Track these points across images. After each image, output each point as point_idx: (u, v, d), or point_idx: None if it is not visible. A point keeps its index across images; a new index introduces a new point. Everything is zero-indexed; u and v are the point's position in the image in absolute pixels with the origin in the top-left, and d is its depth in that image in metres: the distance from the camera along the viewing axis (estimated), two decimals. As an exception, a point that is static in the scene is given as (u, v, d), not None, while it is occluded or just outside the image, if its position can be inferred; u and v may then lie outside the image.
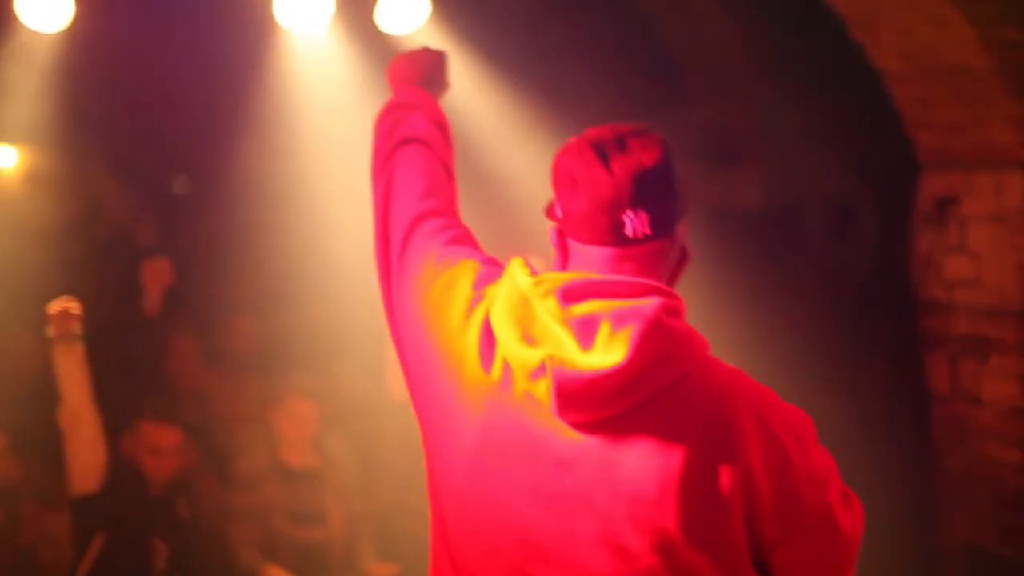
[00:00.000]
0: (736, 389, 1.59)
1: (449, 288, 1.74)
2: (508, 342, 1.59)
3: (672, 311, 1.57)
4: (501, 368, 1.62)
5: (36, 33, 4.92)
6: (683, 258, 1.69)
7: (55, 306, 3.87)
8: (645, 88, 5.74)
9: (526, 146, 5.34)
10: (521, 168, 5.30)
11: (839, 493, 1.61)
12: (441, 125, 2.08)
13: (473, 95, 5.21)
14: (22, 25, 4.83)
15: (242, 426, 4.74)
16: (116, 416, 4.19)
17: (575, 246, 1.66)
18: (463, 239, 1.87)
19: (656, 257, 1.63)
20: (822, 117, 5.29)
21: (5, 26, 4.85)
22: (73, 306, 3.89)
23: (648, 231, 1.60)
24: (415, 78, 2.21)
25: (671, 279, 1.68)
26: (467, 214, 1.99)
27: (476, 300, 1.70)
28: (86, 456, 3.99)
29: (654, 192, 1.61)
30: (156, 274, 4.97)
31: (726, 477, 1.52)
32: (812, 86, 5.31)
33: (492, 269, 1.76)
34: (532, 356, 1.55)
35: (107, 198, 7.29)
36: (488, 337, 1.64)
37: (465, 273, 1.75)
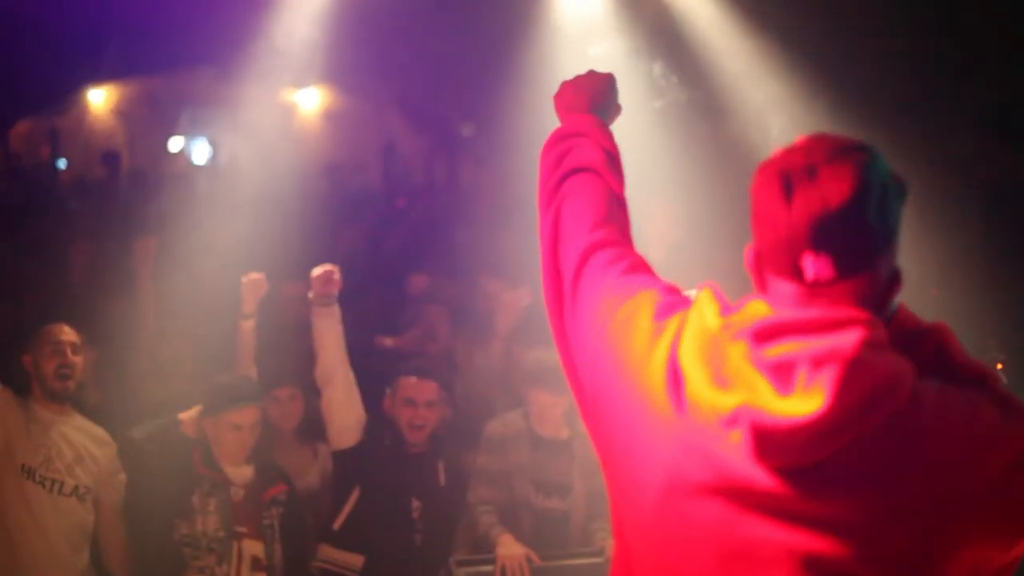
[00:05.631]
0: (951, 422, 1.47)
1: (629, 320, 1.68)
2: (698, 384, 1.53)
3: (876, 343, 1.45)
4: (691, 408, 1.54)
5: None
6: (893, 284, 1.55)
7: (318, 270, 4.04)
8: (937, 63, 5.43)
9: (805, 127, 5.21)
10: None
11: None
12: (610, 152, 1.99)
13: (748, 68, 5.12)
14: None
15: (492, 388, 4.77)
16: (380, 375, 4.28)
17: (768, 275, 1.58)
18: (638, 268, 1.79)
19: (851, 295, 1.51)
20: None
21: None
22: (335, 272, 4.05)
23: (832, 275, 1.50)
24: (583, 104, 2.11)
25: (879, 306, 1.53)
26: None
27: (658, 332, 1.63)
28: (341, 412, 4.10)
29: (838, 234, 1.49)
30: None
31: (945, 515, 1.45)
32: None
33: (673, 299, 1.69)
34: (725, 401, 1.49)
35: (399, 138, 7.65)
36: (675, 374, 1.57)
37: (645, 304, 1.68)
